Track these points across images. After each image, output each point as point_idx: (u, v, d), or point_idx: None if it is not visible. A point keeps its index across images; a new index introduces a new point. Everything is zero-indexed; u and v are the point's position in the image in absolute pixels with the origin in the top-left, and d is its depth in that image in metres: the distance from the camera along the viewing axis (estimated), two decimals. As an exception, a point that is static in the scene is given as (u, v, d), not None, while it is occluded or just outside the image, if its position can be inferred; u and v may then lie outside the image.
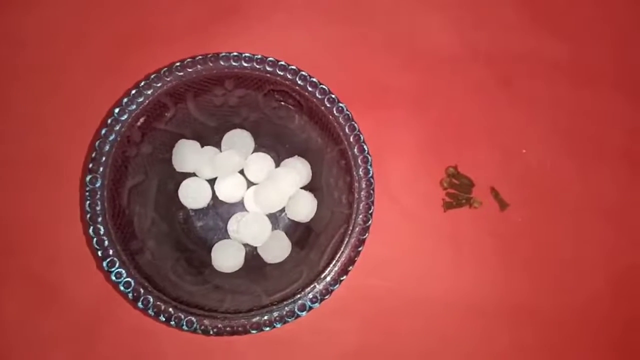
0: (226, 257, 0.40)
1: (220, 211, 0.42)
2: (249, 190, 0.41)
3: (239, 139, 0.41)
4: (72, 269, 0.42)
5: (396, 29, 0.48)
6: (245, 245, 0.41)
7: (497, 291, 0.44)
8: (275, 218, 0.42)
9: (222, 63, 0.37)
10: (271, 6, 0.47)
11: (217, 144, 0.41)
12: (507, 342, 0.44)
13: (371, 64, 0.47)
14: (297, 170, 0.40)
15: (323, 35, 0.47)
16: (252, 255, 0.41)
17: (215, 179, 0.41)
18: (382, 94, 0.46)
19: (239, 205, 0.42)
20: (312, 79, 0.37)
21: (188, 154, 0.39)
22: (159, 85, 0.36)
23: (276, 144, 0.42)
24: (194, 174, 0.41)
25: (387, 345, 0.43)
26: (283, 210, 0.41)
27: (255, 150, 0.42)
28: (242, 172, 0.41)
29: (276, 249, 0.40)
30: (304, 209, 0.40)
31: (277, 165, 0.42)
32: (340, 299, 0.38)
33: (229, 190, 0.41)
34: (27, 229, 0.43)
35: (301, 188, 0.41)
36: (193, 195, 0.40)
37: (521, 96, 0.47)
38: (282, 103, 0.39)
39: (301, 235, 0.41)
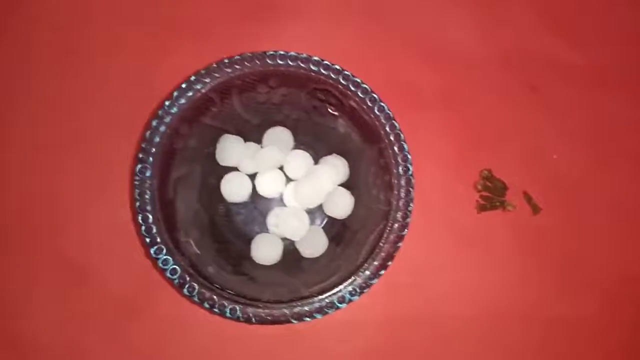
0: (265, 250, 0.41)
1: (259, 206, 0.43)
2: (288, 186, 0.42)
3: (279, 136, 0.42)
4: (115, 256, 0.43)
5: (424, 29, 0.49)
6: (283, 239, 0.42)
7: (525, 294, 0.44)
8: (312, 214, 0.43)
9: (268, 61, 0.38)
10: (305, 4, 0.49)
11: (259, 141, 0.42)
12: (533, 346, 0.44)
13: (404, 65, 0.48)
14: (335, 167, 0.41)
15: (353, 34, 0.48)
16: (290, 249, 0.42)
17: (256, 174, 0.42)
18: (415, 95, 0.47)
19: (278, 201, 0.43)
20: (354, 78, 0.38)
21: (231, 149, 0.41)
22: (207, 80, 0.37)
23: (315, 142, 0.43)
24: (235, 169, 0.42)
25: (410, 343, 0.44)
26: (320, 206, 0.42)
27: (295, 147, 0.43)
28: (281, 168, 0.42)
29: (314, 244, 0.41)
30: (342, 205, 0.41)
31: (316, 162, 0.42)
32: (370, 294, 0.38)
33: (269, 185, 0.42)
34: (75, 216, 0.44)
35: (339, 185, 0.42)
36: (234, 189, 0.41)
37: (551, 101, 0.48)
38: (324, 102, 0.40)
39: (337, 231, 0.42)
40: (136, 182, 0.36)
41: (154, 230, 0.35)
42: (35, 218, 0.44)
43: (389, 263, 0.36)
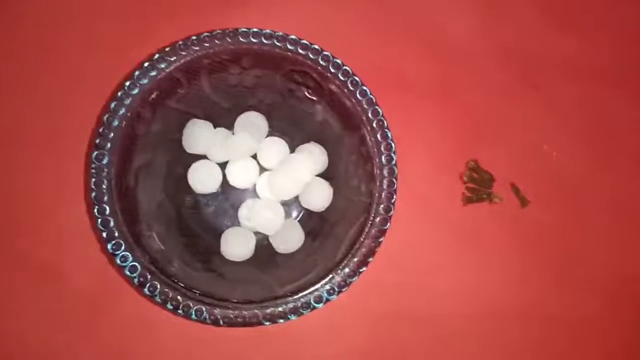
0: (236, 245, 0.38)
1: (230, 197, 0.40)
2: (261, 176, 0.39)
3: (253, 122, 0.39)
4: (74, 251, 0.40)
5: (417, 15, 0.46)
6: (256, 233, 0.39)
7: (513, 290, 0.43)
8: (287, 206, 0.40)
9: (241, 39, 0.35)
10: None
11: (230, 126, 0.39)
12: (520, 342, 0.42)
13: (391, 50, 0.45)
14: (313, 156, 0.39)
15: (339, 17, 0.46)
16: (263, 244, 0.39)
17: (227, 162, 0.39)
18: (402, 82, 0.45)
19: (251, 192, 0.40)
20: (335, 59, 0.35)
21: (199, 135, 0.38)
22: (173, 59, 0.34)
23: (291, 129, 0.40)
24: (204, 157, 0.39)
25: (397, 341, 0.42)
26: (296, 198, 0.39)
27: (270, 134, 0.40)
28: (255, 156, 0.39)
29: (289, 238, 0.38)
30: (319, 197, 0.38)
31: (292, 150, 0.40)
32: (350, 292, 0.36)
33: (241, 175, 0.39)
34: (27, 210, 0.41)
35: (316, 175, 0.39)
36: (203, 179, 0.38)
37: (542, 93, 0.46)
38: (301, 85, 0.37)
39: (315, 225, 0.39)
40: (92, 171, 0.33)
41: (112, 224, 0.32)
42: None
43: (370, 259, 0.34)
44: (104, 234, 0.32)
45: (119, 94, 0.33)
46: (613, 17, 0.48)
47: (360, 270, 0.33)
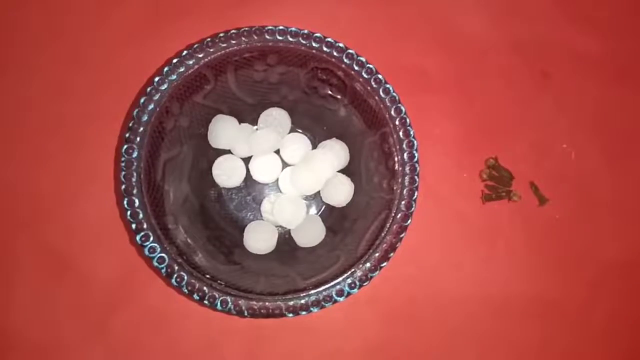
0: (258, 239, 0.38)
1: (253, 191, 0.41)
2: (284, 171, 0.40)
3: (276, 118, 0.40)
4: (100, 243, 0.41)
5: (433, 12, 0.46)
6: (278, 227, 0.40)
7: (528, 288, 0.43)
8: (309, 201, 0.41)
9: (267, 37, 0.35)
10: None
11: (254, 122, 0.40)
12: (536, 339, 0.43)
13: (408, 48, 0.45)
14: (335, 152, 0.39)
15: (358, 15, 0.46)
16: (285, 238, 0.40)
17: (250, 157, 0.40)
18: (421, 80, 0.45)
19: (273, 186, 0.41)
20: (359, 57, 0.35)
21: (224, 130, 0.38)
22: (201, 56, 0.35)
23: (314, 125, 0.41)
24: (229, 152, 0.40)
25: (413, 335, 0.42)
26: (317, 193, 0.40)
27: (292, 130, 0.41)
28: (278, 152, 0.40)
29: (310, 232, 0.39)
30: (341, 193, 0.39)
31: (314, 147, 0.40)
32: (369, 286, 0.37)
33: (264, 170, 0.39)
34: (57, 200, 0.42)
35: (338, 171, 0.39)
36: (227, 173, 0.39)
37: (562, 90, 0.46)
38: (325, 82, 0.37)
39: (335, 220, 0.40)
40: (122, 164, 0.33)
41: (141, 216, 0.33)
42: (16, 206, 0.42)
43: (391, 255, 0.34)
44: (133, 226, 0.33)
45: (149, 89, 0.34)
46: (631, 13, 0.48)
47: (382, 265, 0.34)
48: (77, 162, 0.42)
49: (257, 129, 0.40)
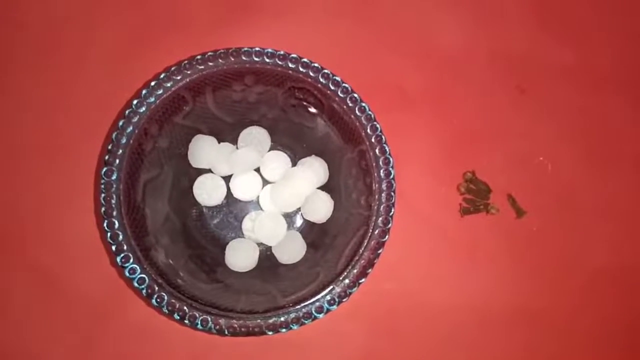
0: (240, 256, 0.39)
1: (234, 209, 0.41)
2: (264, 188, 0.40)
3: (256, 137, 0.40)
4: (81, 263, 0.41)
5: (409, 29, 0.47)
6: (259, 244, 0.40)
7: (510, 299, 0.43)
8: (289, 218, 0.41)
9: (244, 58, 0.36)
10: (284, 3, 0.47)
11: (234, 141, 0.40)
12: (519, 350, 0.43)
13: (385, 65, 0.46)
14: (314, 169, 0.40)
15: (335, 34, 0.46)
16: (266, 255, 0.40)
17: (231, 176, 0.40)
18: (397, 96, 0.46)
19: (254, 204, 0.41)
20: (334, 77, 0.36)
21: (204, 150, 0.39)
22: (178, 78, 0.35)
23: (293, 143, 0.41)
24: (209, 171, 0.40)
25: (396, 350, 0.43)
26: (298, 210, 0.40)
27: (272, 148, 0.41)
28: (258, 170, 0.40)
29: (291, 249, 0.39)
30: (321, 209, 0.39)
31: (294, 164, 0.41)
32: (351, 302, 0.37)
33: (245, 188, 0.40)
34: (37, 220, 0.42)
35: (318, 188, 0.40)
36: (208, 191, 0.39)
37: (538, 102, 0.46)
38: (302, 101, 0.38)
39: (316, 236, 0.40)
40: (102, 186, 0.34)
41: (121, 237, 0.33)
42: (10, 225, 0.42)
43: (369, 271, 0.35)
44: (114, 247, 0.33)
45: (127, 112, 0.35)
46: (610, 24, 0.48)
47: (360, 281, 0.34)
48: (58, 183, 0.42)
49: (237, 148, 0.40)
